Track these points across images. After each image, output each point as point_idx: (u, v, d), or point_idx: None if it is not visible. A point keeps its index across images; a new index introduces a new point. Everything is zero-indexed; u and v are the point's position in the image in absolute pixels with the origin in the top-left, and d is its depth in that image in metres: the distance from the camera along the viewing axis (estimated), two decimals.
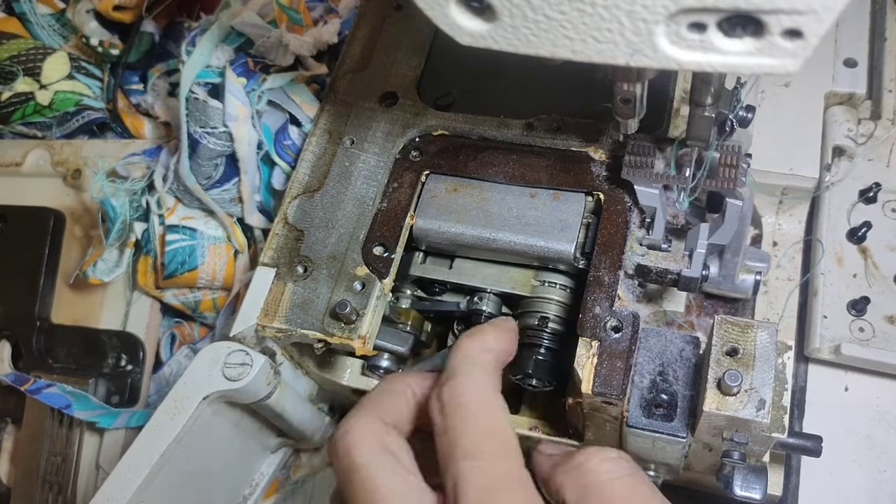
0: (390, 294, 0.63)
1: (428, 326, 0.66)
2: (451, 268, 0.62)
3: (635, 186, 0.55)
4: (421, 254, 0.63)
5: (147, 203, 0.74)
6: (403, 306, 0.64)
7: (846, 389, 0.65)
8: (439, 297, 0.64)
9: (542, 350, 0.58)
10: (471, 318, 0.62)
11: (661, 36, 0.37)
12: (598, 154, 0.60)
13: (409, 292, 0.64)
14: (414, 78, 0.68)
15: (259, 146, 0.72)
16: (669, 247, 0.57)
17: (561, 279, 0.60)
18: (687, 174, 0.53)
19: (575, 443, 0.57)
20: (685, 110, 0.62)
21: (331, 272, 0.59)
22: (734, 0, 0.35)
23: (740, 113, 0.52)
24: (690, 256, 0.55)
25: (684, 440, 0.51)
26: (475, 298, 0.62)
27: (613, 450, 0.48)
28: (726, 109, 0.51)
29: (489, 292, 0.61)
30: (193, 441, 0.58)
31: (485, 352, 0.48)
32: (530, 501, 0.42)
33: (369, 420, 0.46)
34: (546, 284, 0.60)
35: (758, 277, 0.62)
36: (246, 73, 0.71)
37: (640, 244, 0.57)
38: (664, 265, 0.56)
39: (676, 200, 0.56)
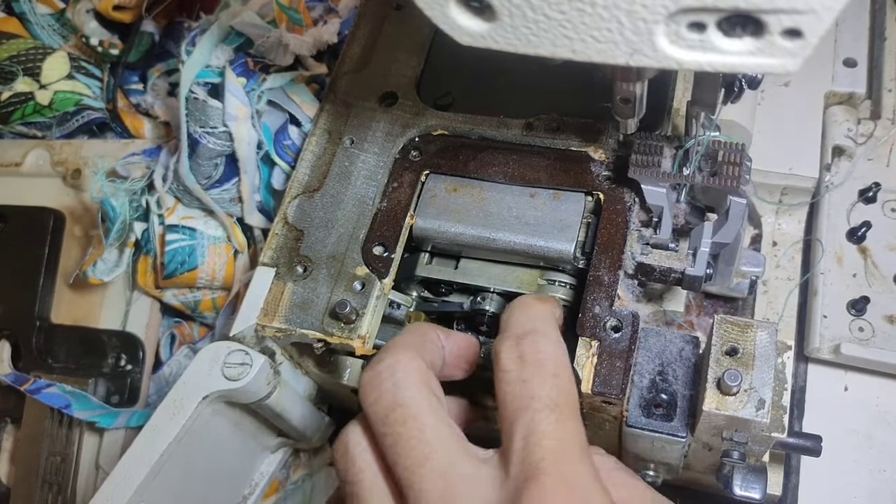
0: (408, 298, 0.63)
1: None
2: (456, 268, 0.62)
3: (642, 185, 0.55)
4: (427, 254, 0.63)
5: (147, 203, 0.74)
6: (412, 309, 0.64)
7: (846, 389, 0.65)
8: (445, 298, 0.64)
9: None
10: (473, 318, 0.62)
11: (660, 35, 0.37)
12: (597, 154, 0.60)
13: (414, 293, 0.64)
14: (414, 78, 0.68)
15: (259, 146, 0.72)
16: (677, 246, 0.57)
17: (567, 279, 0.60)
18: (691, 167, 0.53)
19: None
20: (685, 110, 0.62)
21: (330, 272, 0.59)
22: (734, 0, 0.35)
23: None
24: (694, 255, 0.55)
25: (684, 440, 0.51)
26: (478, 298, 0.62)
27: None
28: None
29: (493, 292, 0.61)
30: (193, 441, 0.58)
31: (556, 317, 0.48)
32: (596, 471, 0.40)
33: (415, 359, 0.45)
34: (551, 284, 0.60)
35: (753, 278, 0.62)
36: (246, 73, 0.71)
37: (647, 243, 0.57)
38: (667, 264, 0.56)
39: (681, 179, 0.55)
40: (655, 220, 0.57)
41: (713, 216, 0.56)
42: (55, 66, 0.83)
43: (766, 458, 0.56)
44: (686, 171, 0.53)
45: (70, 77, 0.83)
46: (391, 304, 0.61)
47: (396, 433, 0.41)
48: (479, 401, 0.56)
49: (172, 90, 0.82)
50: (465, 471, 0.40)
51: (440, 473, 0.40)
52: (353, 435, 0.45)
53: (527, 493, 0.37)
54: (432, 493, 0.39)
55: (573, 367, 0.51)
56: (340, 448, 0.45)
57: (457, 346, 0.50)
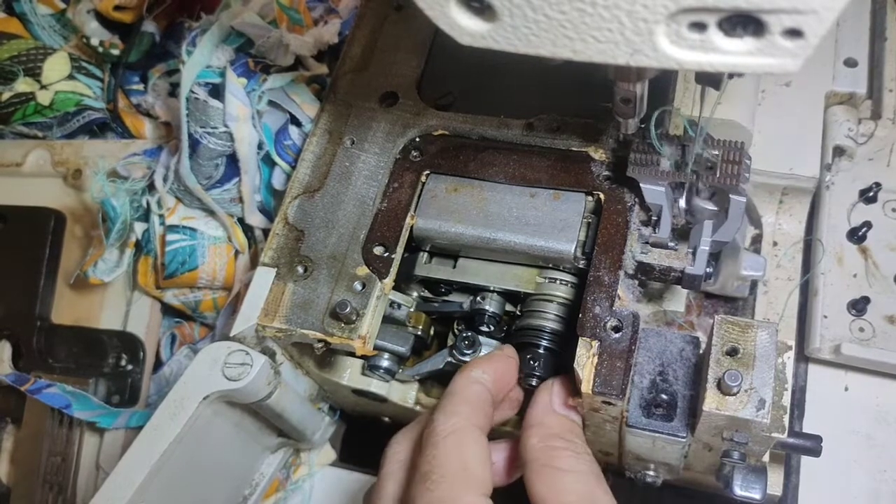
0: (409, 298, 0.63)
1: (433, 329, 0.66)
2: (454, 267, 0.62)
3: (641, 184, 0.55)
4: (426, 254, 0.63)
5: (147, 203, 0.74)
6: (412, 310, 0.64)
7: (846, 389, 0.65)
8: (446, 298, 0.64)
9: (543, 350, 0.58)
10: (473, 318, 0.62)
11: (661, 35, 0.37)
12: (598, 154, 0.60)
13: (415, 293, 0.64)
14: (414, 78, 0.68)
15: (259, 146, 0.72)
16: (677, 246, 0.57)
17: (565, 276, 0.60)
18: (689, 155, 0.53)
19: None
20: (685, 110, 0.62)
21: (331, 272, 0.59)
22: (734, 0, 0.35)
23: None
24: (694, 254, 0.55)
25: (684, 440, 0.51)
26: (478, 298, 0.62)
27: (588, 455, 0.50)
28: None
29: (492, 291, 0.61)
30: (193, 441, 0.58)
31: (472, 383, 0.52)
32: None
33: (403, 435, 0.53)
34: (550, 281, 0.60)
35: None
36: (246, 74, 0.71)
37: (647, 242, 0.57)
38: (667, 263, 0.56)
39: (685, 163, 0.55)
40: (655, 218, 0.57)
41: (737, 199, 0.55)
42: (56, 67, 0.83)
43: (766, 458, 0.56)
44: (685, 170, 0.53)
45: (71, 77, 0.83)
46: (391, 304, 0.61)
47: (440, 451, 0.48)
48: None
49: (173, 90, 0.82)
50: None
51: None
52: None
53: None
54: None
55: (573, 367, 0.51)
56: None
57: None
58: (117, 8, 0.84)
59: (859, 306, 0.64)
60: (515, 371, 0.56)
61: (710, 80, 0.49)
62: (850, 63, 0.73)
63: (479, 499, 0.45)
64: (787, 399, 0.49)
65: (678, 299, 0.66)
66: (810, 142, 0.69)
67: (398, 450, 0.52)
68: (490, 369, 0.53)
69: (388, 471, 0.51)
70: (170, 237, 0.73)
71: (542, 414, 0.52)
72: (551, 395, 0.53)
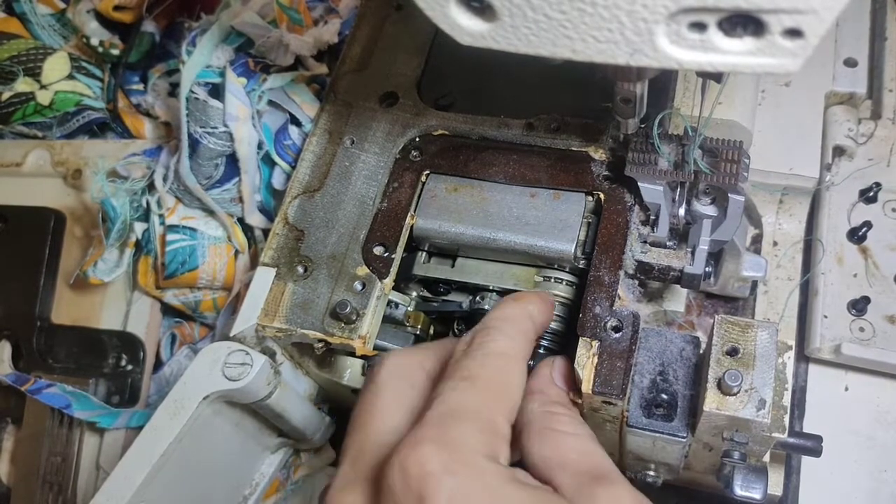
0: (408, 298, 0.63)
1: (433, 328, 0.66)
2: (453, 266, 0.62)
3: (639, 183, 0.55)
4: (424, 254, 0.63)
5: (147, 203, 0.74)
6: (411, 309, 0.64)
7: (846, 389, 0.65)
8: (445, 297, 0.64)
9: (543, 350, 0.58)
10: (473, 318, 0.62)
11: (661, 35, 0.37)
12: (598, 154, 0.60)
13: (414, 293, 0.64)
14: (414, 78, 0.68)
15: (259, 146, 0.72)
16: (676, 244, 0.57)
17: (564, 275, 0.60)
18: (687, 158, 0.53)
19: None
20: (685, 110, 0.62)
21: (331, 272, 0.59)
22: (735, 0, 0.35)
23: None
24: (693, 253, 0.55)
25: (684, 440, 0.51)
26: (477, 298, 0.62)
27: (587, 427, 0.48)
28: None
29: (492, 290, 0.61)
30: (194, 441, 0.58)
31: (526, 318, 0.48)
32: (481, 438, 0.41)
33: (409, 357, 0.48)
34: (548, 281, 0.60)
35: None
36: (246, 73, 0.71)
37: (645, 241, 0.57)
38: (666, 262, 0.56)
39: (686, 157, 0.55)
40: (653, 218, 0.57)
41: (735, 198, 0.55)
42: (56, 67, 0.83)
43: (766, 458, 0.56)
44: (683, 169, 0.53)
45: (71, 77, 0.83)
46: (390, 303, 0.61)
47: (357, 403, 0.46)
48: None
49: (173, 90, 0.82)
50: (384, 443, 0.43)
51: (364, 440, 0.43)
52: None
53: (402, 440, 0.39)
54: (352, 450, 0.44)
55: (574, 367, 0.51)
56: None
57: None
58: (117, 8, 0.84)
59: (859, 306, 0.64)
60: (552, 315, 0.53)
61: (711, 73, 0.49)
62: (850, 63, 0.73)
63: (508, 429, 0.43)
64: (787, 399, 0.49)
65: (678, 299, 0.66)
66: (810, 142, 0.69)
67: (400, 362, 0.47)
68: (542, 312, 0.50)
69: (384, 384, 0.45)
70: (170, 237, 0.73)
71: (543, 384, 0.51)
72: (552, 369, 0.52)
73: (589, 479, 0.42)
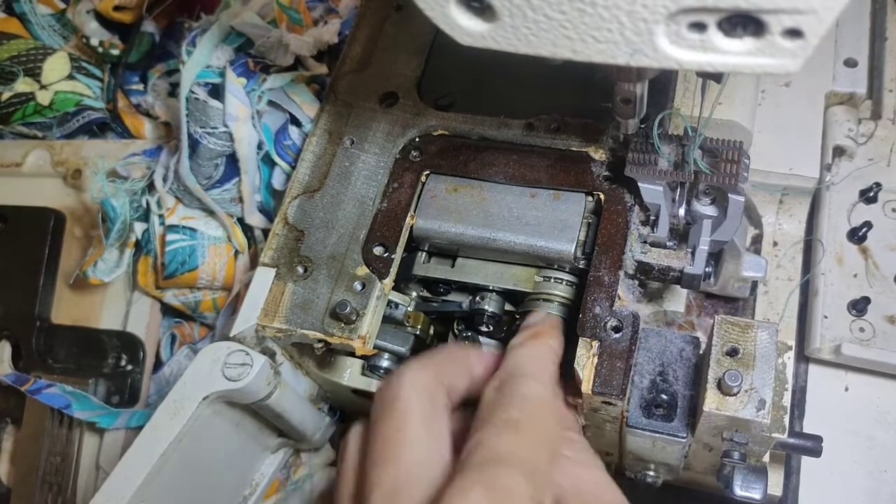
0: (408, 298, 0.63)
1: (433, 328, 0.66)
2: (453, 266, 0.62)
3: (639, 184, 0.55)
4: (424, 254, 0.63)
5: (147, 203, 0.74)
6: (411, 309, 0.64)
7: (846, 389, 0.65)
8: (444, 297, 0.64)
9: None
10: (473, 318, 0.62)
11: (661, 36, 0.37)
12: (598, 154, 0.60)
13: (414, 293, 0.64)
14: (414, 78, 0.68)
15: (259, 146, 0.72)
16: (676, 245, 0.57)
17: (564, 276, 0.60)
18: (687, 158, 0.53)
19: None
20: (685, 110, 0.62)
21: (331, 272, 0.59)
22: (734, 0, 0.35)
23: None
24: (693, 253, 0.55)
25: (684, 440, 0.51)
26: (477, 298, 0.62)
27: None
28: None
29: (492, 290, 0.61)
30: (193, 441, 0.58)
31: (550, 354, 0.50)
32: (528, 483, 0.41)
33: (427, 372, 0.47)
34: (548, 280, 0.60)
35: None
36: (246, 74, 0.71)
37: (645, 241, 0.57)
38: (666, 262, 0.56)
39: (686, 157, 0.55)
40: (653, 218, 0.57)
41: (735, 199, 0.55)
42: (56, 67, 0.83)
43: (766, 458, 0.56)
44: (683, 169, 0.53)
45: (70, 77, 0.83)
46: (390, 303, 0.61)
47: (383, 421, 0.44)
48: None
49: (173, 90, 0.82)
50: (426, 479, 0.42)
51: (399, 472, 0.42)
52: (354, 429, 0.48)
53: (448, 487, 0.39)
54: (381, 487, 0.41)
55: (574, 367, 0.51)
56: (342, 441, 0.48)
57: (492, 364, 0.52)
58: (117, 8, 0.84)
59: (859, 306, 0.64)
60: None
61: (711, 74, 0.49)
62: (850, 63, 0.73)
63: (550, 472, 0.44)
64: (787, 399, 0.49)
65: (678, 299, 0.66)
66: (810, 142, 0.69)
67: (419, 378, 0.46)
68: (560, 342, 0.52)
69: (412, 398, 0.45)
70: (170, 237, 0.73)
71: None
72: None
73: None
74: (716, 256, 0.62)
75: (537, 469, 0.41)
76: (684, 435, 0.51)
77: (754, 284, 0.67)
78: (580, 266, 0.58)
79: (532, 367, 0.47)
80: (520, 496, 0.39)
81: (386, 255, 0.59)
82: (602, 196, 0.58)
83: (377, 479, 0.42)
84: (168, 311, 0.81)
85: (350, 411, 0.74)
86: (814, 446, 0.54)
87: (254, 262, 0.74)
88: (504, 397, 0.44)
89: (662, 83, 0.63)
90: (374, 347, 0.59)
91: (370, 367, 0.62)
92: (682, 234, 0.58)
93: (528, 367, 0.47)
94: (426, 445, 0.43)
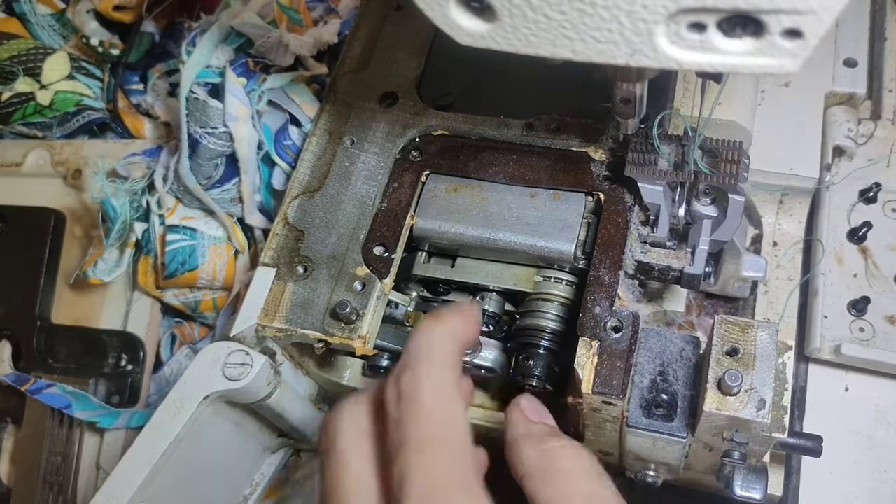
0: (408, 298, 0.63)
1: None
2: (453, 266, 0.62)
3: (639, 184, 0.55)
4: (424, 254, 0.64)
5: (147, 203, 0.74)
6: (411, 309, 0.64)
7: (846, 389, 0.65)
8: (445, 297, 0.64)
9: (543, 350, 0.58)
10: None
11: (661, 36, 0.37)
12: (598, 154, 0.60)
13: (414, 293, 0.64)
14: (414, 78, 0.68)
15: (259, 146, 0.72)
16: (676, 245, 0.57)
17: (564, 275, 0.60)
18: (687, 159, 0.53)
19: None
20: (685, 110, 0.62)
21: (331, 272, 0.59)
22: (734, 0, 0.35)
23: None
24: (693, 253, 0.55)
25: (684, 440, 0.51)
26: (477, 298, 0.62)
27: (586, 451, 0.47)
28: None
29: (492, 290, 0.61)
30: (194, 441, 0.58)
31: (448, 340, 0.46)
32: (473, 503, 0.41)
33: (353, 405, 0.46)
34: (548, 280, 0.60)
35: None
36: (246, 73, 0.71)
37: (645, 241, 0.57)
38: (666, 262, 0.56)
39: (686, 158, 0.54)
40: (653, 218, 0.57)
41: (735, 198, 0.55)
42: (56, 67, 0.83)
43: (766, 458, 0.56)
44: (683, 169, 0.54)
45: (70, 77, 0.83)
46: (390, 303, 0.61)
47: (326, 468, 0.46)
48: None
49: (173, 90, 0.82)
50: (364, 499, 0.43)
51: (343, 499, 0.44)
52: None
53: None
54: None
55: (574, 367, 0.51)
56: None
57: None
58: (117, 8, 0.84)
59: (859, 306, 0.64)
60: (479, 329, 0.52)
61: (711, 74, 0.49)
62: (850, 63, 0.73)
63: (478, 478, 0.43)
64: (787, 399, 0.49)
65: (678, 299, 0.66)
66: (810, 142, 0.69)
67: (350, 417, 0.46)
68: (465, 329, 0.48)
69: (346, 448, 0.45)
70: (170, 237, 0.73)
71: (523, 428, 0.49)
72: (522, 409, 0.50)
73: None
74: (716, 256, 0.62)
75: (467, 484, 0.41)
76: (684, 435, 0.51)
77: (754, 284, 0.67)
78: (580, 266, 0.58)
79: (426, 358, 0.44)
80: None
81: (386, 255, 0.59)
82: (602, 196, 0.58)
83: None
84: (168, 311, 0.81)
85: None
86: (814, 446, 0.54)
87: (254, 262, 0.74)
88: (403, 411, 0.43)
89: (662, 83, 0.63)
90: (375, 347, 0.59)
91: (370, 367, 0.62)
92: (682, 234, 0.58)
93: (421, 359, 0.44)
94: (366, 478, 0.44)
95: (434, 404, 0.43)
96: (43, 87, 0.83)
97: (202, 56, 0.70)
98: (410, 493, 0.39)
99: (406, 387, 0.43)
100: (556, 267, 0.60)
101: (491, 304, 0.61)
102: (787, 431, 0.49)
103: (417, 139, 0.65)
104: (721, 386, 0.48)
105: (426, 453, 0.41)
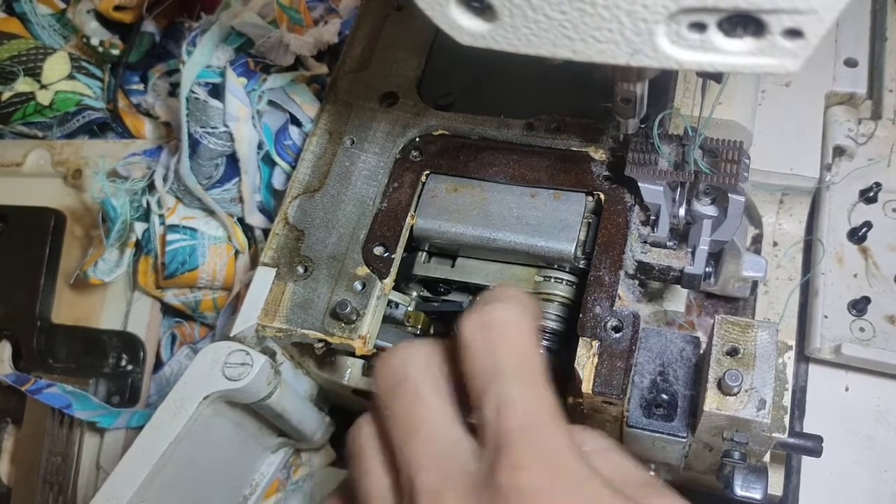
0: (408, 298, 0.63)
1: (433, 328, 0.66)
2: (453, 266, 0.62)
3: (639, 184, 0.55)
4: (424, 254, 0.64)
5: (147, 203, 0.74)
6: (411, 309, 0.64)
7: (847, 389, 0.65)
8: (445, 297, 0.64)
9: (543, 350, 0.58)
10: None
11: (661, 36, 0.37)
12: (598, 154, 0.60)
13: (414, 293, 0.64)
14: (414, 78, 0.68)
15: (259, 146, 0.72)
16: (676, 245, 0.57)
17: (564, 275, 0.60)
18: (687, 159, 0.53)
19: None
20: (685, 110, 0.62)
21: (331, 272, 0.59)
22: (734, 0, 0.35)
23: None
24: (693, 253, 0.55)
25: (684, 440, 0.51)
26: (478, 298, 0.62)
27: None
28: None
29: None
30: (194, 441, 0.58)
31: (526, 301, 0.45)
32: (571, 438, 0.39)
33: (425, 346, 0.45)
34: (548, 280, 0.60)
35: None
36: (246, 73, 0.71)
37: (645, 241, 0.57)
38: (667, 262, 0.56)
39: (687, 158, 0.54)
40: (653, 218, 0.57)
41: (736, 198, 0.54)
42: (56, 67, 0.83)
43: (766, 458, 0.56)
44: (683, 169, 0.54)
45: (71, 77, 0.83)
46: (390, 303, 0.61)
47: (395, 405, 0.42)
48: None
49: (173, 90, 0.82)
50: (454, 441, 0.40)
51: (431, 442, 0.40)
52: (361, 419, 0.45)
53: (500, 462, 0.37)
54: (422, 461, 0.39)
55: (574, 367, 0.51)
56: (351, 433, 0.45)
57: None
58: (117, 8, 0.84)
59: (860, 306, 0.64)
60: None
61: (711, 74, 0.49)
62: (851, 63, 0.73)
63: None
64: (787, 399, 0.49)
65: (678, 299, 0.66)
66: (810, 142, 0.69)
67: (415, 352, 0.43)
68: (536, 307, 0.46)
69: (418, 373, 0.42)
70: (170, 237, 0.73)
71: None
72: None
73: (639, 487, 0.41)
74: (716, 256, 0.62)
75: (556, 411, 0.39)
76: (684, 435, 0.51)
77: (754, 284, 0.67)
78: (580, 266, 0.58)
79: (504, 297, 0.42)
80: (568, 454, 0.38)
81: (386, 254, 0.59)
82: (602, 196, 0.58)
83: (414, 456, 0.40)
84: (168, 310, 0.81)
85: (351, 411, 0.74)
86: (814, 446, 0.54)
87: (254, 262, 0.74)
88: (489, 340, 0.41)
89: (662, 83, 0.63)
90: (375, 347, 0.59)
91: (370, 367, 0.62)
92: (682, 234, 0.58)
93: (502, 296, 0.42)
94: (441, 413, 0.41)
95: (521, 337, 0.41)
96: (43, 86, 0.83)
97: (202, 56, 0.70)
98: (511, 421, 0.38)
99: (491, 318, 0.42)
100: (556, 267, 0.60)
101: None
102: (787, 431, 0.49)
103: (417, 139, 0.65)
104: (721, 386, 0.48)
105: (525, 381, 0.40)
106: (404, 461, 0.40)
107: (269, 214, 0.74)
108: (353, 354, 0.59)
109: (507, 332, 0.42)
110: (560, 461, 0.38)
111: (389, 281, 0.59)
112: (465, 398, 0.43)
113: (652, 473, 0.58)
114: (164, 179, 0.73)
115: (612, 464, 0.43)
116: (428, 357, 0.44)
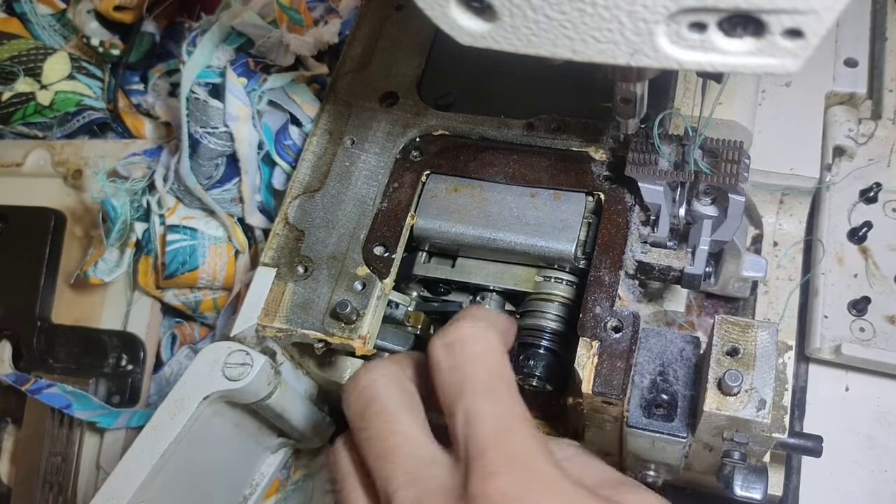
0: (408, 298, 0.63)
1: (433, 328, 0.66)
2: (453, 266, 0.62)
3: (639, 184, 0.55)
4: (424, 254, 0.64)
5: (148, 203, 0.74)
6: (411, 309, 0.64)
7: (847, 389, 0.65)
8: (445, 297, 0.64)
9: (543, 350, 0.58)
10: None
11: (661, 36, 0.37)
12: (598, 154, 0.60)
13: (414, 293, 0.64)
14: (414, 78, 0.68)
15: (260, 146, 0.72)
16: (676, 245, 0.57)
17: (564, 275, 0.60)
18: (687, 158, 0.53)
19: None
20: (685, 110, 0.62)
21: (331, 272, 0.59)
22: (735, 0, 0.35)
23: None
24: (693, 253, 0.55)
25: (684, 440, 0.51)
26: (478, 298, 0.62)
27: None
28: None
29: (492, 290, 0.61)
30: (194, 441, 0.58)
31: (493, 319, 0.47)
32: (540, 443, 0.41)
33: (391, 364, 0.47)
34: (548, 280, 0.60)
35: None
36: (246, 73, 0.71)
37: (645, 241, 0.57)
38: (667, 262, 0.56)
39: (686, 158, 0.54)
40: (653, 218, 0.57)
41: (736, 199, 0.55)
42: (56, 67, 0.83)
43: (766, 458, 0.56)
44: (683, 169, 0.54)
45: (71, 77, 0.83)
46: (390, 303, 0.61)
47: (368, 427, 0.43)
48: None
49: (173, 90, 0.82)
50: (427, 457, 0.41)
51: (405, 460, 0.41)
52: (339, 443, 0.47)
53: (473, 471, 0.38)
54: (398, 479, 0.40)
55: (574, 367, 0.51)
56: (330, 458, 0.47)
57: None
58: (117, 8, 0.84)
59: (860, 306, 0.64)
60: (514, 336, 0.53)
61: (711, 74, 0.49)
62: (851, 63, 0.73)
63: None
64: (787, 399, 0.49)
65: (678, 299, 0.66)
66: (810, 142, 0.69)
67: (386, 372, 0.46)
68: (508, 328, 0.51)
69: (388, 393, 0.45)
70: (170, 237, 0.73)
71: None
72: None
73: (613, 487, 0.43)
74: (716, 256, 0.62)
75: (528, 421, 0.42)
76: (684, 435, 0.51)
77: (754, 284, 0.67)
78: (580, 266, 0.58)
79: (475, 321, 0.45)
80: (540, 459, 0.39)
81: (386, 254, 0.59)
82: (602, 196, 0.58)
83: (391, 475, 0.41)
84: (168, 311, 0.81)
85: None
86: (814, 446, 0.54)
87: (254, 262, 0.74)
88: (455, 359, 0.43)
89: (662, 83, 0.63)
90: (375, 347, 0.59)
91: (350, 383, 0.62)
92: (682, 234, 0.58)
93: (466, 316, 0.45)
94: (415, 430, 0.43)
95: (487, 351, 0.43)
96: (43, 87, 0.83)
97: (203, 56, 0.70)
98: (481, 431, 0.39)
99: (455, 337, 0.44)
100: (556, 267, 0.60)
101: (491, 305, 0.61)
102: (787, 431, 0.49)
103: (418, 139, 0.65)
104: (721, 386, 0.48)
105: (492, 392, 0.41)
106: (382, 480, 0.41)
107: (270, 214, 0.74)
108: (353, 354, 0.59)
109: (474, 348, 0.44)
110: (531, 465, 0.39)
111: (389, 281, 0.59)
112: (438, 406, 0.44)
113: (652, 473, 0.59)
114: (165, 179, 0.73)
115: (584, 467, 0.45)
116: (395, 374, 0.46)
